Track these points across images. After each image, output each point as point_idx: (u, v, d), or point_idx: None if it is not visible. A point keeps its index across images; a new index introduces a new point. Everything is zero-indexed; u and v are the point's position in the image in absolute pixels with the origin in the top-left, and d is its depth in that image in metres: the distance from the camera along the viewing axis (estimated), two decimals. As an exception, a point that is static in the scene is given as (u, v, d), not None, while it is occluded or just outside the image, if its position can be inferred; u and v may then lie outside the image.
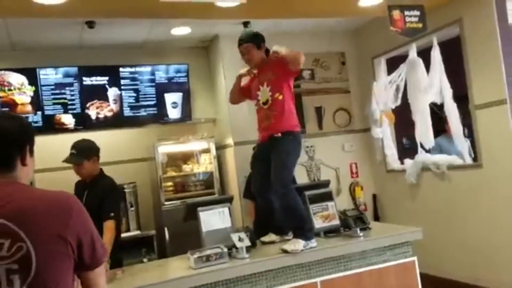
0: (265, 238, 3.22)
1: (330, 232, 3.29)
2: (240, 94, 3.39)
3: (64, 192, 1.32)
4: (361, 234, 3.16)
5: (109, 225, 3.02)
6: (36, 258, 1.16)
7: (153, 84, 5.07)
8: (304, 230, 2.93)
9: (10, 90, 4.54)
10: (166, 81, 5.13)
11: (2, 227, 1.16)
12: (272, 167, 2.95)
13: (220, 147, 5.29)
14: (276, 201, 3.04)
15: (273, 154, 2.97)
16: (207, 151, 5.21)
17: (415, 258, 3.28)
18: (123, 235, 4.59)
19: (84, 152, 3.14)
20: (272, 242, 3.17)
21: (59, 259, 1.21)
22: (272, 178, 2.95)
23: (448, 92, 4.34)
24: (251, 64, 3.18)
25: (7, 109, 4.43)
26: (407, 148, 5.32)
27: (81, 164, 3.13)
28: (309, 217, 3.12)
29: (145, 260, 4.23)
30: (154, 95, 5.07)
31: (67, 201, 1.28)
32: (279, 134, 2.98)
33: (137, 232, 4.68)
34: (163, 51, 5.28)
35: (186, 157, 5.30)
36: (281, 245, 2.96)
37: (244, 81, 3.39)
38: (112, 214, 3.05)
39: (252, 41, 3.12)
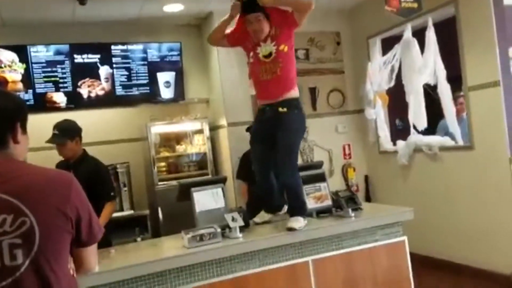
0: (258, 219, 3.23)
1: (322, 212, 3.32)
2: (224, 37, 2.93)
3: (61, 170, 1.36)
4: (352, 214, 3.19)
5: (111, 207, 3.13)
6: (40, 232, 1.18)
7: (145, 62, 5.02)
8: (304, 209, 2.97)
9: (0, 67, 4.47)
10: (158, 59, 5.07)
11: (4, 202, 1.16)
12: (279, 150, 2.81)
13: (214, 128, 5.28)
14: (276, 182, 3.01)
15: (279, 134, 2.79)
16: (200, 131, 5.19)
17: (405, 238, 3.33)
18: (117, 214, 4.61)
19: (66, 132, 3.12)
20: (267, 222, 3.17)
21: (60, 234, 1.23)
22: (279, 163, 2.84)
23: (442, 73, 4.33)
24: (257, 35, 2.78)
25: (-3, 87, 4.37)
26: (400, 130, 5.34)
27: (64, 144, 3.11)
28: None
29: (138, 239, 4.26)
30: (146, 74, 5.01)
31: (66, 177, 1.30)
32: (285, 109, 2.76)
33: (131, 212, 4.70)
34: (155, 29, 5.21)
35: (179, 138, 5.28)
36: (276, 225, 2.99)
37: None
38: (112, 194, 3.17)
39: (263, 11, 2.74)
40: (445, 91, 4.35)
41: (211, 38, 3.01)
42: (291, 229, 2.85)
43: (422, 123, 4.60)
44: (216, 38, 2.95)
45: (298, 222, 2.86)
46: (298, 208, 2.96)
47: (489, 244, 4.06)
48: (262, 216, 3.21)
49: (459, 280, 4.11)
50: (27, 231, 1.17)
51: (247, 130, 4.51)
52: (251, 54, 2.88)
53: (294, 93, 2.85)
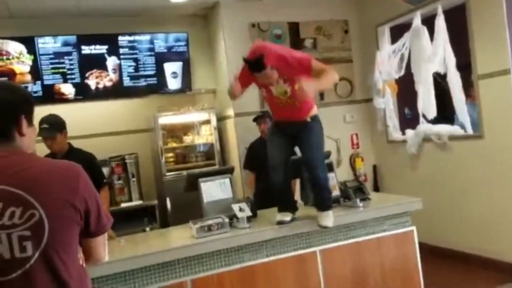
0: (282, 218, 2.98)
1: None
2: (240, 91, 2.85)
3: (69, 162, 1.35)
4: (360, 204, 3.19)
5: (107, 193, 3.25)
6: (48, 224, 1.19)
7: (152, 53, 5.01)
8: (331, 203, 2.98)
9: (8, 59, 4.49)
10: (165, 50, 5.06)
11: (13, 195, 1.17)
12: (310, 148, 2.94)
13: (221, 118, 5.27)
14: (288, 177, 3.05)
15: (306, 136, 2.92)
16: (207, 122, 5.19)
17: (414, 228, 3.32)
18: (126, 204, 4.66)
19: (55, 126, 3.14)
20: (291, 220, 2.99)
21: (68, 225, 1.24)
22: (312, 160, 2.94)
23: (452, 61, 4.28)
24: (268, 83, 2.80)
25: (5, 78, 4.39)
26: (408, 119, 5.29)
27: (54, 137, 3.13)
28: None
29: (147, 229, 4.29)
30: (153, 65, 5.01)
31: (74, 169, 1.30)
32: (309, 119, 2.93)
33: (139, 202, 4.73)
34: (161, 19, 5.19)
35: (187, 128, 5.29)
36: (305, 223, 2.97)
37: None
38: (105, 180, 3.29)
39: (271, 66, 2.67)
40: (454, 80, 4.29)
41: (231, 98, 3.01)
42: (324, 227, 2.86)
43: (432, 112, 4.56)
44: (235, 97, 2.91)
45: (329, 218, 2.88)
46: (328, 202, 2.97)
47: (499, 234, 4.03)
48: (285, 215, 3.02)
49: (468, 270, 4.09)
50: (36, 223, 1.18)
51: (254, 120, 4.51)
52: (264, 90, 2.92)
53: (314, 111, 2.98)
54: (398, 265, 3.25)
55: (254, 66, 2.66)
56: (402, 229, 3.28)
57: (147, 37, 4.99)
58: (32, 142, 1.37)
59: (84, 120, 4.88)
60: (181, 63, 5.10)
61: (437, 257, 4.39)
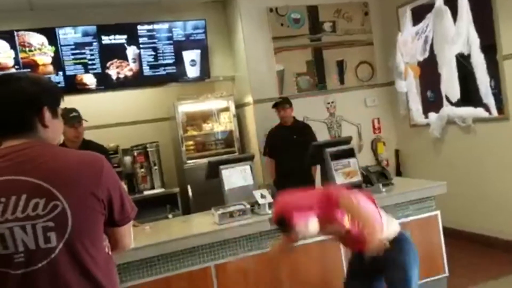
0: None
1: (352, 188, 3.30)
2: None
3: (92, 152, 1.35)
4: (383, 189, 3.16)
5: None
6: (72, 215, 1.20)
7: (171, 41, 5.01)
8: None
9: (31, 51, 4.56)
10: (183, 38, 5.05)
11: (36, 186, 1.19)
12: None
13: (240, 105, 5.27)
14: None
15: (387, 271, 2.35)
16: (226, 109, 5.20)
17: (438, 212, 3.28)
18: (148, 192, 4.73)
19: (80, 114, 3.21)
20: None
21: (92, 215, 1.26)
22: None
23: (476, 42, 4.16)
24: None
25: (28, 70, 4.47)
26: (431, 102, 5.19)
27: (82, 125, 3.19)
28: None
29: (170, 216, 4.35)
30: (172, 53, 5.01)
31: (97, 160, 1.31)
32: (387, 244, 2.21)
33: (161, 190, 4.80)
34: (179, 7, 5.17)
35: (206, 116, 5.31)
36: None
37: None
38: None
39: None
40: (478, 61, 4.17)
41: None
42: None
43: (455, 95, 4.46)
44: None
45: None
46: None
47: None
48: None
49: (493, 254, 4.04)
50: (59, 214, 1.20)
51: (274, 106, 4.49)
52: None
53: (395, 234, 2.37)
54: (422, 249, 3.19)
55: (281, 229, 2.29)
56: (427, 213, 3.25)
57: (165, 26, 4.99)
58: (57, 134, 1.38)
59: (106, 110, 4.95)
60: (199, 50, 5.10)
61: (461, 241, 4.34)
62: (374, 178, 3.20)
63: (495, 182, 4.20)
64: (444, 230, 3.27)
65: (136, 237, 2.70)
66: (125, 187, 4.49)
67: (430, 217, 3.26)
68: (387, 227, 2.27)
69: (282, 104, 4.41)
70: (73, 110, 3.19)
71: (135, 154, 4.83)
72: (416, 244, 3.18)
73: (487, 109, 4.32)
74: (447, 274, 3.30)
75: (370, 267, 2.33)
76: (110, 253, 1.37)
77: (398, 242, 2.29)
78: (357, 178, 3.32)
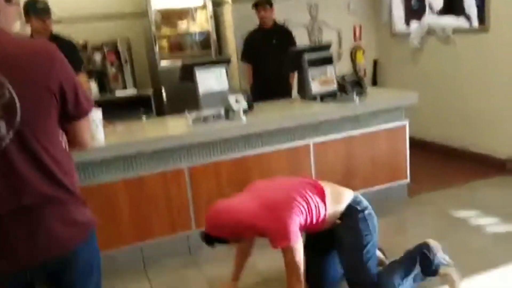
0: None
1: (327, 96, 3.30)
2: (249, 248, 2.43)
3: (45, 41, 1.29)
4: (356, 98, 3.17)
5: (83, 78, 3.28)
6: (20, 105, 1.16)
7: None
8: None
9: None
10: None
11: None
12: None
13: (217, 4, 4.98)
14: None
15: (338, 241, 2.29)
16: (203, 7, 4.92)
17: (406, 123, 3.35)
18: (120, 94, 4.62)
19: (49, 8, 3.05)
20: None
21: (43, 107, 1.22)
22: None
23: None
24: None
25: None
26: (414, 10, 5.04)
27: (50, 18, 3.04)
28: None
29: (143, 118, 4.32)
30: None
31: (50, 50, 1.25)
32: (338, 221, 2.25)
33: (134, 91, 4.69)
34: None
35: (181, 14, 5.02)
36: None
37: None
38: (83, 65, 3.41)
39: None
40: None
41: None
42: None
43: (439, 3, 4.32)
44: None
45: None
46: None
47: (491, 130, 4.09)
48: None
49: (458, 164, 4.19)
50: (7, 103, 1.15)
51: (254, 6, 4.26)
52: None
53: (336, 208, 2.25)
54: (387, 158, 3.35)
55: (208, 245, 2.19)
56: (395, 122, 3.31)
57: None
58: (10, 21, 1.29)
59: (73, 1, 4.61)
60: None
61: (429, 152, 4.51)
62: (349, 87, 3.20)
63: (470, 94, 4.27)
64: (413, 140, 3.37)
65: (107, 136, 2.70)
66: (94, 85, 4.41)
67: (398, 127, 3.33)
68: (334, 206, 2.19)
69: (262, 4, 4.20)
70: (39, 2, 2.99)
71: (105, 51, 4.62)
72: (382, 153, 3.31)
73: (468, 19, 4.24)
74: (408, 180, 3.47)
75: (324, 245, 2.32)
76: (67, 148, 1.35)
77: (348, 217, 2.22)
78: (333, 87, 3.31)
